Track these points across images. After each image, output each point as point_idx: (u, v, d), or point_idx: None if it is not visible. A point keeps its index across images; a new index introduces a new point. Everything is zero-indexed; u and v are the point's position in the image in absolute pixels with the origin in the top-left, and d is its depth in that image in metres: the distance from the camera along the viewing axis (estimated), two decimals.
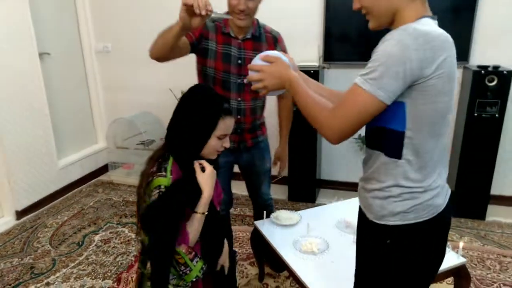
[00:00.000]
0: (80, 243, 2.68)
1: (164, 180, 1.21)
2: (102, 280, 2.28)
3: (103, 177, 3.83)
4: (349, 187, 3.27)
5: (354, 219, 1.98)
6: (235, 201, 3.11)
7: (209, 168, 1.27)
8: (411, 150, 1.00)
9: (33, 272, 2.37)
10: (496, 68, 2.62)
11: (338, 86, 3.07)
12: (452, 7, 2.76)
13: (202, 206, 1.24)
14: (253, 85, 1.21)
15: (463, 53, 2.77)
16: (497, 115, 2.65)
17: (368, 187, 1.10)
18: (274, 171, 2.21)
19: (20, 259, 2.50)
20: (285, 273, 2.22)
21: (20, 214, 3.00)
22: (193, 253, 1.25)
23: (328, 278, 1.67)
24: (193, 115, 1.25)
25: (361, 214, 1.17)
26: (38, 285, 2.25)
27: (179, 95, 3.08)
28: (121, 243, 2.67)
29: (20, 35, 2.93)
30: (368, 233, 1.13)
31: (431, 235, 1.08)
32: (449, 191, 1.12)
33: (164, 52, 1.56)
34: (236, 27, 1.81)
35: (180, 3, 1.35)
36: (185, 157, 1.26)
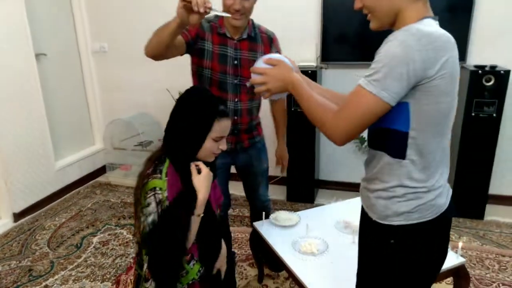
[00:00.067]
0: (79, 245, 2.67)
1: (159, 182, 1.21)
2: (101, 282, 2.27)
3: (100, 179, 3.82)
4: (348, 188, 3.27)
5: (353, 220, 2.00)
6: (234, 202, 3.11)
7: (205, 170, 1.27)
8: (415, 150, 1.01)
9: (31, 275, 2.36)
10: (493, 68, 2.63)
11: (336, 86, 3.08)
12: (449, 7, 2.77)
13: (198, 208, 1.23)
14: (256, 88, 1.20)
15: (460, 53, 2.70)
16: (494, 114, 2.66)
17: (372, 187, 1.11)
18: (277, 171, 2.20)
19: (18, 262, 2.49)
20: (285, 274, 2.22)
21: (17, 216, 2.99)
22: (190, 255, 1.25)
23: (328, 279, 1.67)
24: (188, 117, 1.25)
25: (364, 214, 1.17)
26: (37, 287, 2.24)
27: (177, 96, 3.07)
28: (120, 245, 2.66)
29: (16, 36, 2.92)
30: (371, 233, 1.13)
31: (435, 234, 1.09)
32: (450, 191, 1.13)
33: (160, 50, 1.53)
34: (231, 27, 1.80)
35: None
36: (181, 159, 1.26)
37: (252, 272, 2.32)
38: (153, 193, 1.20)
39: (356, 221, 1.90)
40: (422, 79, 0.93)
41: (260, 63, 1.21)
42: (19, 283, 2.28)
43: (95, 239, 2.73)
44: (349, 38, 3.04)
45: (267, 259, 2.19)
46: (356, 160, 3.25)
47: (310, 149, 3.08)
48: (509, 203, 3.02)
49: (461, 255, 1.79)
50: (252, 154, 2.05)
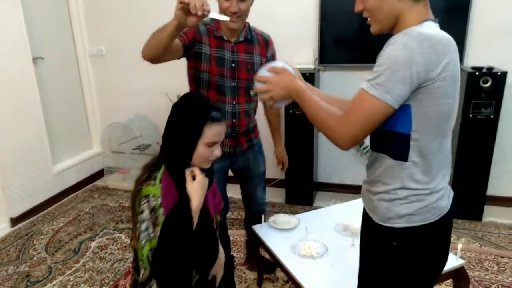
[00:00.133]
0: (77, 250, 2.65)
1: (152, 189, 1.22)
2: (99, 287, 2.26)
3: (98, 182, 3.80)
4: (346, 190, 3.28)
5: (352, 222, 2.00)
6: (232, 205, 3.10)
7: (199, 176, 1.27)
8: (417, 152, 1.01)
9: (29, 280, 2.34)
10: (490, 69, 2.63)
11: (334, 89, 3.10)
12: (446, 9, 2.78)
13: (192, 215, 1.23)
14: (260, 96, 1.22)
15: None
16: (492, 116, 2.67)
17: (374, 189, 1.11)
18: (276, 174, 2.20)
19: (15, 267, 2.47)
20: (284, 277, 2.21)
21: (15, 221, 2.97)
22: None
23: (327, 282, 1.66)
24: (179, 123, 1.27)
25: (366, 217, 1.17)
26: None
27: (175, 99, 3.06)
28: (118, 249, 2.64)
29: (13, 40, 2.91)
30: (373, 235, 1.14)
31: (437, 237, 1.09)
32: (452, 193, 1.13)
33: (157, 52, 1.52)
34: (228, 30, 1.81)
35: (176, 0, 1.33)
36: (175, 165, 1.27)
37: (252, 275, 2.31)
38: (146, 200, 1.21)
39: (355, 223, 1.92)
40: (425, 81, 0.94)
41: (264, 72, 1.22)
42: None
43: (93, 244, 2.72)
44: (347, 40, 3.05)
45: (259, 259, 2.18)
46: (354, 162, 3.26)
47: (308, 151, 3.08)
48: (507, 204, 3.03)
49: (461, 257, 1.79)
50: (250, 157, 2.05)
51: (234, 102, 1.87)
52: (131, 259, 2.50)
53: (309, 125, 2.94)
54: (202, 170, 1.29)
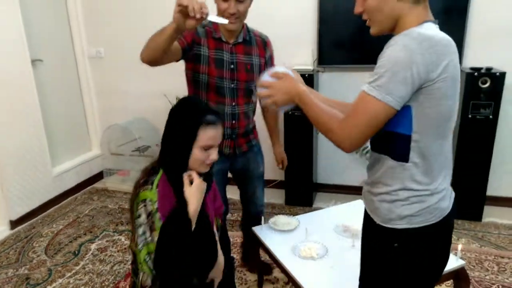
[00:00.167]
0: (76, 252, 2.65)
1: (149, 194, 1.22)
2: None
3: (98, 185, 3.80)
4: (346, 191, 3.28)
5: (352, 223, 2.00)
6: (232, 206, 3.09)
7: (197, 180, 1.26)
8: (418, 153, 1.02)
9: (28, 283, 2.33)
10: (488, 70, 2.64)
11: (333, 90, 3.10)
12: (445, 10, 2.78)
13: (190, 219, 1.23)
14: (263, 101, 1.22)
15: None
16: (491, 116, 2.67)
17: (375, 190, 1.11)
18: (276, 175, 2.20)
19: (15, 270, 2.47)
20: (284, 278, 2.21)
21: (14, 223, 2.96)
22: None
23: (328, 284, 1.66)
24: (175, 127, 1.27)
25: (367, 218, 1.17)
26: None
27: (174, 101, 3.06)
28: (118, 251, 2.64)
29: (12, 42, 2.90)
30: (375, 236, 1.14)
31: (438, 238, 1.09)
32: (453, 194, 1.13)
33: (156, 55, 1.52)
34: (226, 31, 1.81)
35: (175, 3, 1.33)
36: (173, 169, 1.26)
37: (252, 277, 2.30)
38: (143, 204, 1.21)
39: (355, 224, 1.92)
40: (425, 82, 0.94)
41: (266, 77, 1.23)
42: None
43: (93, 246, 2.71)
44: (346, 41, 3.05)
45: (256, 260, 2.18)
46: (354, 163, 3.26)
47: (308, 152, 3.08)
48: (506, 204, 3.03)
49: (461, 257, 1.79)
50: (250, 158, 2.05)
51: (233, 104, 1.87)
52: (131, 261, 2.50)
53: (308, 126, 2.94)
54: (200, 174, 1.29)
